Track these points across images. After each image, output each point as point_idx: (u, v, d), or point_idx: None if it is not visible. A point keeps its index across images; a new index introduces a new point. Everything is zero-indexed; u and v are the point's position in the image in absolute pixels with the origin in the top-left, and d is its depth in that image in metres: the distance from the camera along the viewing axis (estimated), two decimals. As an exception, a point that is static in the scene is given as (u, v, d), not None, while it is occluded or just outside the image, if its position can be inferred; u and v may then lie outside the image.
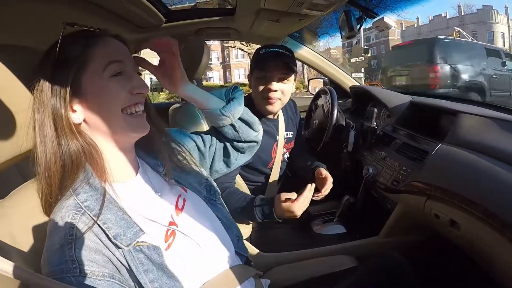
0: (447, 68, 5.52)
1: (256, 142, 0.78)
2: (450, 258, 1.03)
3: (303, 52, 1.77)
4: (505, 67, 6.22)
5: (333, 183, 1.08)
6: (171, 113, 1.14)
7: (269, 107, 1.13)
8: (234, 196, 1.01)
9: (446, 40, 6.25)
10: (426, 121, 1.10)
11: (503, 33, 22.82)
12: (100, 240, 0.46)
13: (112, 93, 0.51)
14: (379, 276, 0.74)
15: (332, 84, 1.87)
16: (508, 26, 22.90)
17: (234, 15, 1.30)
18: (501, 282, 0.74)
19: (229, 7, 1.77)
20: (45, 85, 0.48)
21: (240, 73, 27.90)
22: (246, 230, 1.08)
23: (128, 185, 0.55)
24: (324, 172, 1.08)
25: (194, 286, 0.53)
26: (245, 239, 1.06)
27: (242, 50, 9.88)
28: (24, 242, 0.49)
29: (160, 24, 1.28)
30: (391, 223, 1.07)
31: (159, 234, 0.52)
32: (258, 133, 0.78)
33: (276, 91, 1.10)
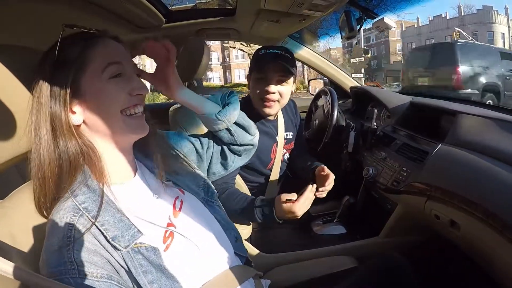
0: (467, 70, 5.84)
1: (252, 145, 0.79)
2: (450, 258, 1.03)
3: (303, 52, 1.77)
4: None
5: (334, 183, 1.08)
6: (171, 114, 1.14)
7: (267, 109, 1.12)
8: (234, 197, 1.01)
9: (466, 43, 6.67)
10: (426, 121, 1.10)
11: (503, 34, 22.84)
12: (98, 241, 0.46)
13: (111, 95, 0.51)
14: (379, 277, 0.74)
15: (332, 84, 1.87)
16: (508, 27, 22.92)
17: (234, 15, 1.30)
18: (501, 282, 0.74)
19: (229, 7, 1.77)
20: (44, 86, 0.48)
21: (240, 74, 27.92)
22: (246, 230, 1.08)
23: (126, 186, 0.55)
24: (326, 169, 1.08)
25: (193, 287, 0.53)
26: (245, 240, 1.06)
27: (242, 50, 9.87)
28: (24, 242, 0.49)
29: (160, 25, 1.28)
30: (391, 224, 1.07)
31: (157, 235, 0.52)
32: (254, 136, 0.78)
33: (274, 93, 1.09)
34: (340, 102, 1.36)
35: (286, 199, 0.91)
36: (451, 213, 0.77)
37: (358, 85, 1.85)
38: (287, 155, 1.30)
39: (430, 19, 26.72)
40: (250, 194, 1.08)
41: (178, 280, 0.50)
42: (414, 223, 1.02)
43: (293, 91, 1.18)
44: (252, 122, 0.78)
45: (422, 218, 0.91)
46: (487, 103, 5.52)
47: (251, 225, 1.11)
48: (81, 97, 0.50)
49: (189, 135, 0.77)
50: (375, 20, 1.55)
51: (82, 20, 0.54)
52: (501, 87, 6.15)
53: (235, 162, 0.79)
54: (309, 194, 0.92)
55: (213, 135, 0.76)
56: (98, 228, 0.46)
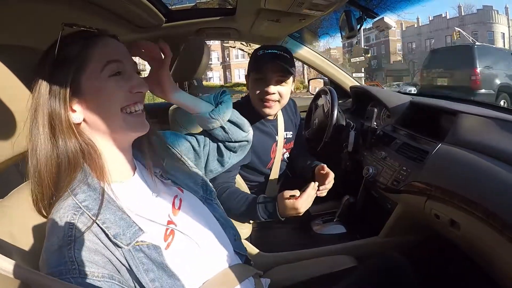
0: (484, 71, 6.20)
1: (247, 141, 0.81)
2: (450, 258, 1.03)
3: (303, 52, 1.77)
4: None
5: (333, 183, 1.08)
6: (171, 113, 1.14)
7: (267, 110, 1.12)
8: (235, 196, 1.01)
9: (482, 46, 7.10)
10: (426, 121, 1.10)
11: (503, 33, 22.81)
12: (99, 240, 0.46)
13: (111, 93, 0.51)
14: (379, 276, 0.74)
15: (332, 84, 1.87)
16: (508, 26, 22.89)
17: (234, 15, 1.30)
18: (501, 282, 0.74)
19: (229, 7, 1.77)
20: (44, 85, 0.48)
21: (240, 73, 27.93)
22: (246, 230, 1.08)
23: (125, 185, 0.55)
24: (326, 168, 1.08)
25: (194, 285, 0.53)
26: (245, 239, 1.07)
27: (242, 50, 9.88)
28: (24, 241, 0.49)
29: (160, 24, 1.28)
30: (391, 223, 1.07)
31: (158, 233, 0.52)
32: (248, 133, 0.80)
33: (274, 93, 1.09)
34: (340, 101, 1.36)
35: (289, 195, 0.91)
36: (451, 212, 0.77)
37: (358, 84, 1.85)
38: (287, 155, 1.30)
39: (430, 19, 26.69)
40: (250, 193, 1.08)
41: (180, 278, 0.50)
42: (414, 223, 1.02)
43: (293, 90, 1.18)
44: (245, 120, 0.80)
45: (422, 218, 0.91)
46: (502, 102, 5.92)
47: (251, 225, 1.11)
48: (81, 96, 0.50)
49: (186, 134, 0.78)
50: (375, 19, 1.55)
51: (82, 20, 0.53)
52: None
53: (231, 158, 0.80)
54: (312, 191, 0.92)
55: (208, 134, 0.77)
56: (100, 226, 0.46)
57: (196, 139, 0.76)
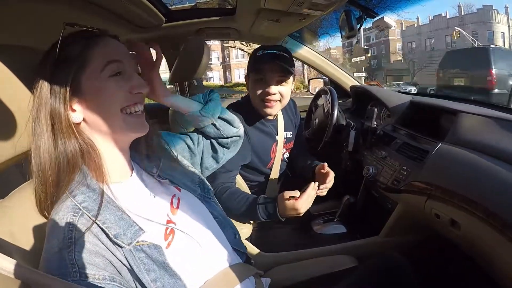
0: (499, 72, 6.65)
1: (239, 136, 0.82)
2: (450, 258, 1.03)
3: (303, 52, 1.77)
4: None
5: (334, 183, 1.08)
6: (171, 113, 1.14)
7: (268, 110, 1.12)
8: (235, 196, 1.01)
9: (497, 49, 7.69)
10: (426, 120, 1.10)
11: (503, 33, 22.78)
12: (100, 241, 0.45)
13: (111, 93, 0.51)
14: (379, 276, 0.74)
15: (332, 84, 1.87)
16: (508, 26, 22.86)
17: (234, 15, 1.30)
18: (501, 282, 0.74)
19: (229, 7, 1.77)
20: (45, 84, 0.48)
21: (240, 73, 27.92)
22: (246, 230, 1.08)
23: (124, 185, 0.55)
24: (326, 167, 1.07)
25: (195, 284, 0.53)
26: (246, 239, 1.07)
27: (242, 50, 9.88)
28: (25, 241, 0.49)
29: (160, 24, 1.28)
30: (391, 223, 1.07)
31: (159, 232, 0.52)
32: (238, 129, 0.82)
33: (275, 94, 1.09)
34: (340, 101, 1.36)
35: (289, 196, 0.91)
36: (452, 212, 0.77)
37: (358, 84, 1.85)
38: (287, 155, 1.30)
39: (430, 19, 26.65)
40: (250, 193, 1.08)
41: (181, 278, 0.50)
42: (414, 222, 1.02)
43: (293, 90, 1.18)
44: (235, 117, 0.82)
45: (422, 217, 0.91)
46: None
47: (251, 225, 1.11)
48: (82, 95, 0.50)
49: (180, 133, 0.79)
50: (375, 19, 1.55)
51: (82, 20, 0.53)
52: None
53: (225, 154, 0.82)
54: (312, 191, 0.92)
55: (201, 132, 0.79)
56: (100, 227, 0.46)
57: (190, 138, 0.78)
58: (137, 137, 0.58)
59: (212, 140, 0.79)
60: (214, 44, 26.58)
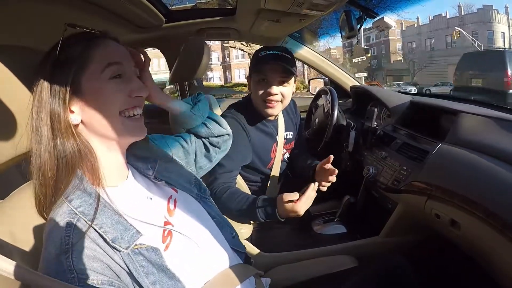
0: None
1: (228, 134, 0.84)
2: (450, 258, 1.03)
3: (303, 52, 1.77)
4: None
5: (334, 183, 1.08)
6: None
7: (270, 110, 1.13)
8: (235, 196, 1.01)
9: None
10: (426, 121, 1.10)
11: (503, 33, 22.77)
12: (98, 245, 0.45)
13: (110, 95, 0.51)
14: (379, 277, 0.74)
15: (333, 84, 1.87)
16: (508, 26, 22.85)
17: (235, 15, 1.30)
18: (501, 282, 0.74)
19: (229, 7, 1.77)
20: (45, 85, 0.48)
21: (240, 73, 27.93)
22: (246, 230, 1.08)
23: (120, 188, 0.55)
24: (330, 163, 1.07)
25: (195, 285, 0.53)
26: (246, 239, 1.07)
27: (243, 50, 9.88)
28: (24, 242, 0.49)
29: (161, 24, 1.28)
30: (391, 223, 1.07)
31: (156, 235, 0.52)
32: (226, 129, 0.84)
33: (276, 94, 1.09)
34: (340, 101, 1.36)
35: (288, 200, 0.91)
36: (452, 212, 0.77)
37: (358, 84, 1.84)
38: (287, 155, 1.30)
39: (430, 19, 26.64)
40: (250, 193, 1.08)
41: (180, 280, 0.50)
42: (415, 223, 1.02)
43: (294, 90, 1.18)
44: (222, 118, 0.84)
45: (423, 218, 0.91)
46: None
47: (251, 225, 1.11)
48: (81, 96, 0.50)
49: (174, 135, 0.80)
50: (375, 19, 1.55)
51: (82, 20, 0.53)
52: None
53: (218, 153, 0.84)
54: (311, 192, 0.92)
55: (192, 133, 0.80)
56: (97, 231, 0.46)
57: (183, 138, 0.79)
58: (136, 140, 0.57)
59: (204, 140, 0.81)
60: (214, 44, 26.56)
